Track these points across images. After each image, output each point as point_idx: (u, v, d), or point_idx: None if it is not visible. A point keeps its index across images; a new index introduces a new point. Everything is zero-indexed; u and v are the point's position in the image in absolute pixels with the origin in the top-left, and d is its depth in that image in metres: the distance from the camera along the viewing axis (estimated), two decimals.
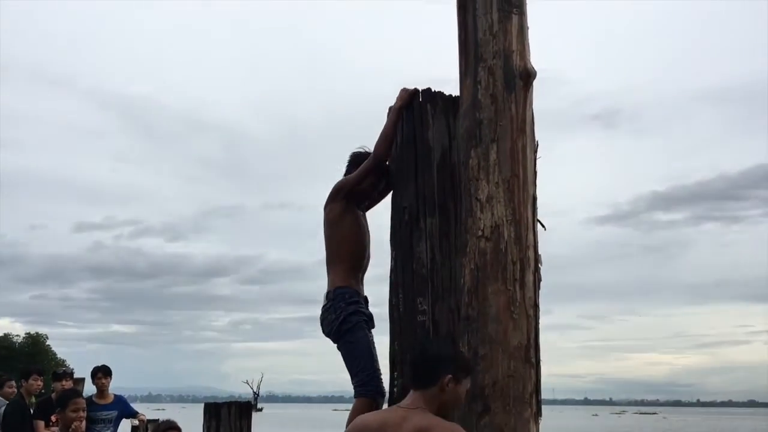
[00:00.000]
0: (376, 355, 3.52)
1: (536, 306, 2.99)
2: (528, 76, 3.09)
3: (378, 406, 3.42)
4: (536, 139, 3.14)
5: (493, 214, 2.97)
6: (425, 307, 3.28)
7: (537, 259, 3.04)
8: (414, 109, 3.48)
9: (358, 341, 3.52)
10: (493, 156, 3.01)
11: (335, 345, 3.61)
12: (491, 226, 2.96)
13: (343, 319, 3.53)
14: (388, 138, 3.52)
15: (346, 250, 3.67)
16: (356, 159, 3.78)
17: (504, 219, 2.96)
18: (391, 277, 3.45)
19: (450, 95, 3.42)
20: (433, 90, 3.48)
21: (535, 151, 3.13)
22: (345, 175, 3.79)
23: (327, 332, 3.62)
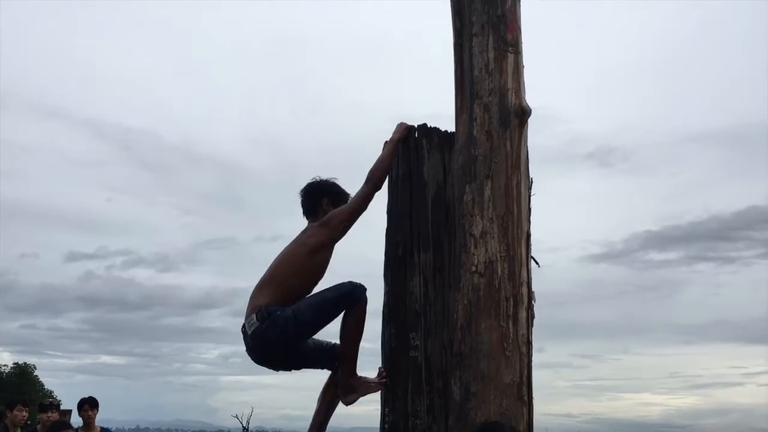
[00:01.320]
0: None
1: (529, 343, 2.97)
2: (523, 113, 3.12)
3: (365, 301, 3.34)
4: (531, 176, 3.16)
5: (487, 250, 2.97)
6: (417, 343, 3.26)
7: (530, 296, 3.03)
8: (410, 143, 3.50)
9: (307, 306, 3.34)
10: (487, 192, 3.03)
11: (282, 351, 3.39)
12: (485, 262, 2.96)
13: (281, 329, 3.29)
14: (386, 169, 3.51)
15: (310, 281, 3.46)
16: (335, 188, 3.63)
17: (498, 255, 2.96)
18: (383, 311, 3.43)
19: (445, 131, 3.45)
20: (429, 125, 3.51)
21: (530, 188, 3.14)
22: (319, 206, 3.58)
23: (276, 340, 3.31)
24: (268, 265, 3.51)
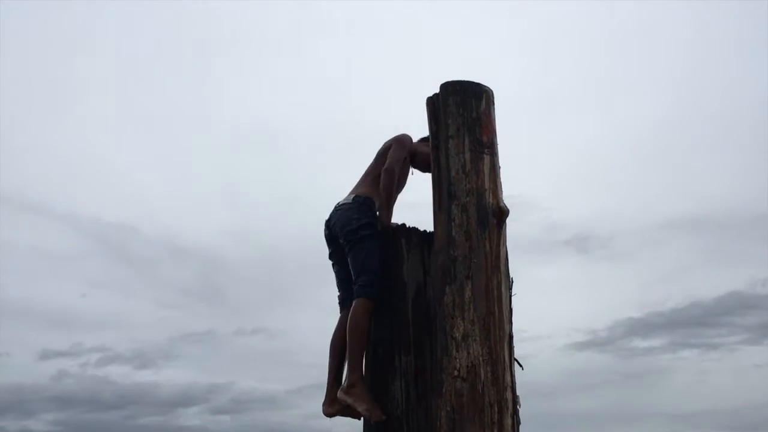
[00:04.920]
0: (383, 266, 3.48)
1: None
2: (501, 213, 3.12)
3: (373, 311, 3.38)
4: (511, 276, 3.14)
5: (469, 353, 2.90)
6: None
7: (515, 400, 2.95)
8: (388, 244, 3.48)
9: (373, 248, 3.51)
10: (468, 293, 2.99)
11: (343, 245, 3.60)
12: (467, 366, 2.89)
13: (366, 223, 3.55)
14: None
15: (396, 184, 3.71)
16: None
17: (480, 358, 2.89)
18: (363, 419, 3.31)
19: (424, 230, 3.44)
20: (407, 225, 3.50)
21: (510, 288, 3.11)
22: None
23: (342, 228, 3.59)
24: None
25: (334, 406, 3.47)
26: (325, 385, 3.56)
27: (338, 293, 3.76)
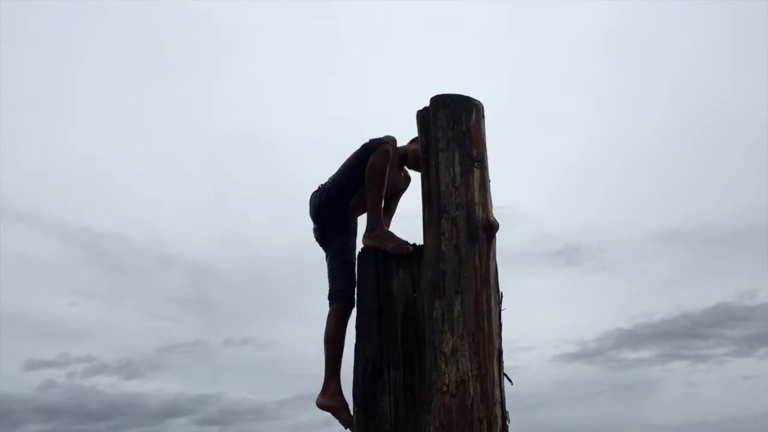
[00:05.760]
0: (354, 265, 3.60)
1: None
2: (491, 228, 3.11)
3: (348, 316, 3.52)
4: (500, 290, 3.12)
5: (458, 368, 2.88)
6: None
7: (505, 416, 2.93)
8: (378, 257, 3.46)
9: (351, 249, 3.65)
10: (457, 308, 2.97)
11: (320, 229, 3.72)
12: (456, 381, 2.86)
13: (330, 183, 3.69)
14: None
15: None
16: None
17: (470, 374, 2.87)
18: None
19: (414, 244, 3.42)
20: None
21: (500, 303, 3.09)
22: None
23: (328, 208, 3.69)
24: None
25: (326, 401, 3.54)
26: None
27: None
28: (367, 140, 3.65)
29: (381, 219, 3.54)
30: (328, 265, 3.72)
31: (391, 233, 3.50)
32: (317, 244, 3.84)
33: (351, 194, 3.71)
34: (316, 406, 3.58)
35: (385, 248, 3.41)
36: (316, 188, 3.82)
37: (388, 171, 3.54)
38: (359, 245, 3.62)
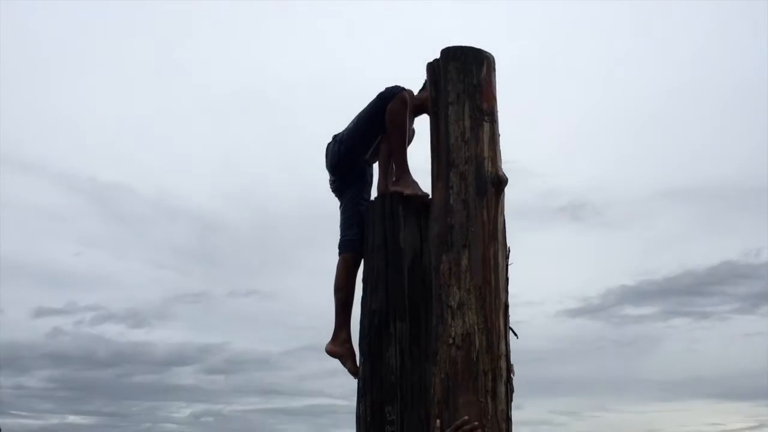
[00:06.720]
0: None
1: (509, 419, 2.88)
2: (499, 182, 3.09)
3: (358, 266, 3.57)
4: (508, 245, 3.12)
5: (464, 321, 2.90)
6: (393, 417, 3.15)
7: (509, 369, 2.95)
8: (386, 210, 3.45)
9: (365, 199, 3.69)
10: (464, 262, 2.97)
11: (336, 180, 3.75)
12: (462, 334, 2.89)
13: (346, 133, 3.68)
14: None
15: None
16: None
17: (476, 327, 2.89)
18: (359, 383, 3.33)
19: (427, 194, 3.40)
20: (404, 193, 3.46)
21: (507, 258, 3.09)
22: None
23: (345, 158, 3.70)
24: None
25: (335, 348, 3.59)
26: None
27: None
28: (382, 89, 3.61)
29: (407, 165, 3.55)
30: (341, 214, 3.74)
31: (415, 182, 3.49)
32: (333, 195, 3.84)
33: (367, 144, 3.71)
34: (323, 353, 3.64)
35: (403, 192, 3.43)
36: (330, 139, 3.80)
37: (408, 118, 3.53)
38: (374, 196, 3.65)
